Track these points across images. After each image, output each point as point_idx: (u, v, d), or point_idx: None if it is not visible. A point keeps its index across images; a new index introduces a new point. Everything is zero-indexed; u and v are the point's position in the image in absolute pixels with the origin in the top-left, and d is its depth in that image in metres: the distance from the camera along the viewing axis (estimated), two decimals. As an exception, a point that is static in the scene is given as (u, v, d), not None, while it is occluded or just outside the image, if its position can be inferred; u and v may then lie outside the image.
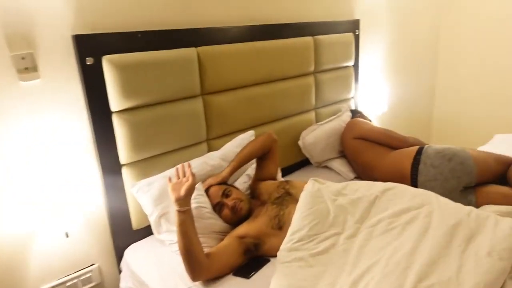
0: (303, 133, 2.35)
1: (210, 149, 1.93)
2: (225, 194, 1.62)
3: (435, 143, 2.07)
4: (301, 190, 1.60)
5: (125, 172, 1.65)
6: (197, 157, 1.82)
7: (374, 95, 2.95)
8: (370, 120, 2.54)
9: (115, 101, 1.55)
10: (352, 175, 2.28)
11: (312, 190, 1.53)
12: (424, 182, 1.78)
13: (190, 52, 1.74)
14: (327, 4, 2.51)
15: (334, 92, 2.59)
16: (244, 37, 1.99)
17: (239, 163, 1.77)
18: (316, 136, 2.32)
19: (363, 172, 2.17)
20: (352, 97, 2.79)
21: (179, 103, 1.76)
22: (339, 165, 2.36)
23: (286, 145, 2.32)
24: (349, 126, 2.30)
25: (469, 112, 3.69)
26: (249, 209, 1.62)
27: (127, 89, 1.56)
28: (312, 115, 2.48)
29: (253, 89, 2.08)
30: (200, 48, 1.79)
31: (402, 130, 3.57)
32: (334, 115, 2.52)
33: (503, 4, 3.25)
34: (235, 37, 1.94)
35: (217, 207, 1.63)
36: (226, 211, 1.59)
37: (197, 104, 1.83)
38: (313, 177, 1.64)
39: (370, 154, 2.09)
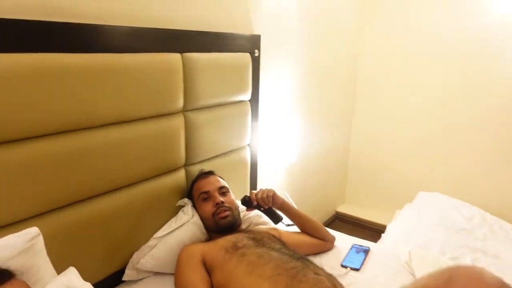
0: (134, 257, 1.40)
1: None
2: (221, 191, 1.49)
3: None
4: None
5: None
6: None
7: (280, 140, 2.16)
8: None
9: None
10: None
11: None
12: None
13: None
14: (210, 8, 1.65)
15: (220, 138, 1.72)
16: (35, 42, 1.02)
17: (292, 208, 1.58)
18: (157, 258, 1.39)
19: None
20: (248, 145, 1.95)
21: None
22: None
23: (122, 236, 1.37)
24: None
25: (388, 165, 3.14)
26: (233, 224, 1.45)
27: None
28: (180, 175, 1.57)
29: (56, 140, 1.11)
30: None
31: (314, 184, 2.97)
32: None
33: (424, 44, 2.76)
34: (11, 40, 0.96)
35: (202, 195, 1.47)
36: (209, 205, 1.45)
37: None
38: None
39: None
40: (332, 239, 1.61)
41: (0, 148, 1.00)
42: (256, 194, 1.53)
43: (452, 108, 2.76)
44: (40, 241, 1.02)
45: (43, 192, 1.09)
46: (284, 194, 2.32)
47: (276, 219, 1.55)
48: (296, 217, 1.58)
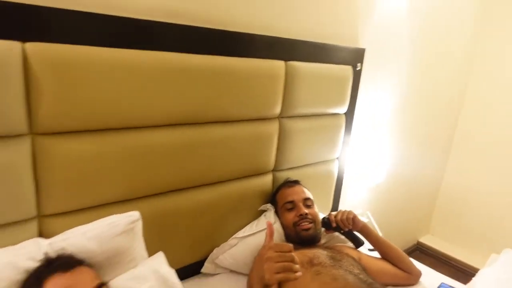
0: (214, 252, 1.45)
1: (44, 235, 1.03)
2: (306, 203, 1.45)
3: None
4: None
5: None
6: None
7: (370, 158, 2.07)
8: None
9: None
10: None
11: None
12: None
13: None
14: (317, 17, 1.64)
15: (310, 148, 1.70)
16: (151, 40, 1.11)
17: (373, 232, 1.48)
18: (235, 256, 1.43)
19: None
20: (337, 158, 1.90)
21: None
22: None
23: (206, 230, 1.43)
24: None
25: (486, 201, 2.81)
26: (313, 238, 1.40)
27: None
28: (267, 179, 1.59)
29: (160, 132, 1.19)
30: (32, 45, 0.90)
31: (398, 208, 2.80)
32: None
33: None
34: (110, 37, 1.05)
35: (286, 205, 1.46)
36: (292, 214, 1.42)
37: (16, 152, 0.93)
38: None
39: None
40: (418, 273, 1.48)
41: (123, 133, 1.11)
42: (335, 216, 1.48)
43: None
44: (139, 224, 1.11)
45: (148, 178, 1.18)
46: (366, 214, 2.22)
47: (357, 243, 1.48)
48: (377, 243, 1.49)
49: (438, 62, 2.47)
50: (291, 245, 0.94)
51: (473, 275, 2.06)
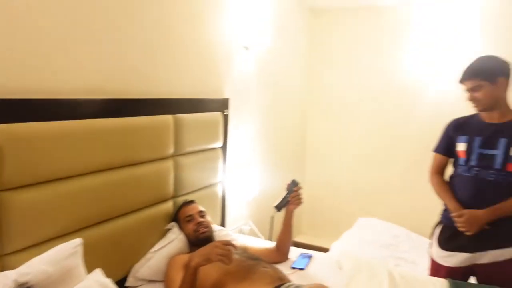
0: (136, 267, 1.85)
1: (7, 268, 1.32)
2: (201, 214, 1.97)
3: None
4: None
5: None
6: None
7: (244, 178, 2.71)
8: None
9: None
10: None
11: None
12: None
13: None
14: (193, 81, 2.24)
15: (199, 177, 2.24)
16: (77, 113, 1.53)
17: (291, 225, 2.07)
18: (152, 267, 1.84)
19: None
20: (220, 182, 2.48)
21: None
22: None
23: (127, 251, 1.82)
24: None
25: (334, 197, 3.78)
26: (209, 238, 1.89)
27: None
28: (169, 204, 2.06)
29: (87, 178, 1.58)
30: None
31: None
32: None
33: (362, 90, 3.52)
34: (60, 113, 1.47)
35: (186, 218, 1.96)
36: (191, 224, 1.93)
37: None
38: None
39: None
40: (287, 254, 2.09)
41: (47, 185, 1.46)
42: (298, 189, 2.05)
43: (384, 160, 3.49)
44: (81, 248, 1.47)
45: (81, 214, 1.56)
46: (249, 223, 2.84)
47: (280, 206, 2.03)
48: (287, 228, 2.06)
49: (282, 98, 3.32)
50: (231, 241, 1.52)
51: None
